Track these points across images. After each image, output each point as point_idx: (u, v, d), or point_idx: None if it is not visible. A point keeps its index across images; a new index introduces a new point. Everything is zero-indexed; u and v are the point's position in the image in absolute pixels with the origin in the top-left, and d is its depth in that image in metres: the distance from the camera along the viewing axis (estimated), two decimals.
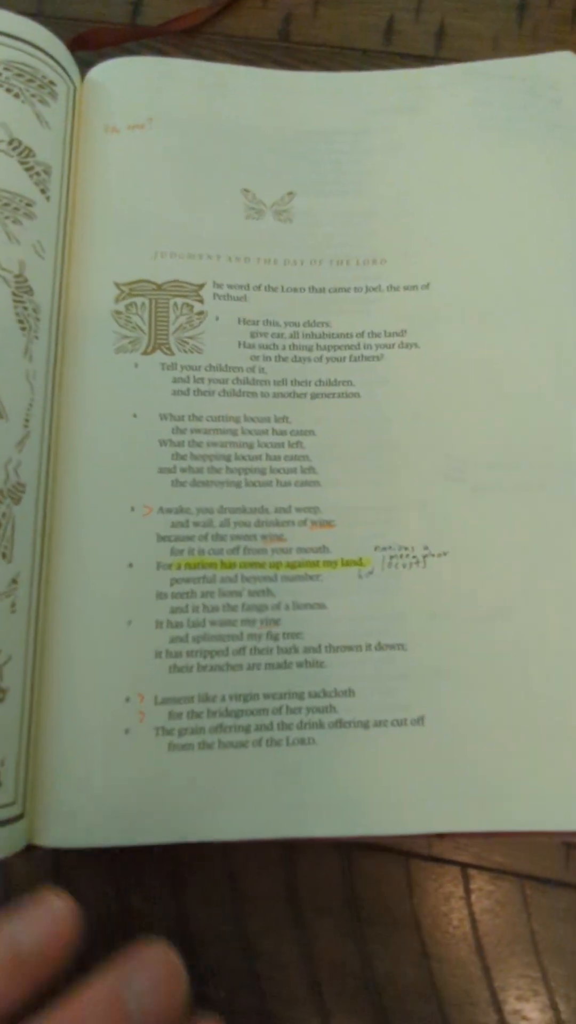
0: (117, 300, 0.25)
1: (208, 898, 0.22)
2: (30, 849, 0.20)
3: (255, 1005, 0.21)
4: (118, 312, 0.24)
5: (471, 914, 0.22)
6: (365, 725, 0.21)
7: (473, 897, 0.22)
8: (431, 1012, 0.21)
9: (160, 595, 0.22)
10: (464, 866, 0.22)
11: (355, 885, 0.22)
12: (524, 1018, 0.21)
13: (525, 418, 0.24)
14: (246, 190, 0.27)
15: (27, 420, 0.22)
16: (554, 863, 0.22)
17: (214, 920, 0.22)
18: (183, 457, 0.23)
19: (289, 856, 0.22)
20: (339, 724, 0.21)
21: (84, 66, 0.28)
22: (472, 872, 0.22)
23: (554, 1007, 0.21)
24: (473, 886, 0.22)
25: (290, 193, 0.27)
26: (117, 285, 0.25)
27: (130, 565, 0.22)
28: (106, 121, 0.27)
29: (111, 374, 0.24)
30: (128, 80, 0.27)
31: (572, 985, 0.21)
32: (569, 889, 0.22)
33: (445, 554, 0.23)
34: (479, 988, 0.21)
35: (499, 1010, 0.21)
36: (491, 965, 0.22)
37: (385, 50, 0.31)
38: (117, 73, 0.27)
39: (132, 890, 0.22)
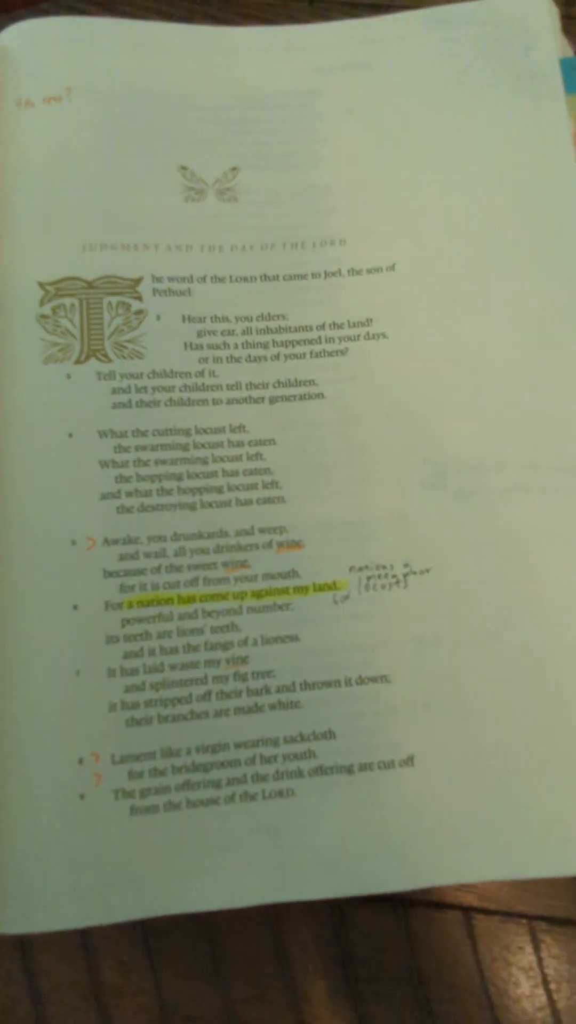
0: (42, 303, 0.22)
1: (187, 966, 0.20)
2: None
3: None
4: (44, 316, 0.21)
5: (477, 961, 0.20)
6: (349, 770, 0.19)
7: (479, 943, 0.20)
8: None
9: (111, 639, 0.19)
10: (468, 910, 0.21)
11: (349, 941, 0.20)
12: None
13: (507, 413, 0.22)
14: (184, 167, 0.24)
15: None
16: (564, 901, 0.20)
17: (196, 990, 0.20)
18: (128, 479, 0.20)
19: (275, 913, 0.20)
20: (320, 771, 0.19)
21: None
22: (476, 915, 0.21)
23: None
24: (478, 931, 0.20)
25: (234, 169, 0.24)
26: (41, 285, 0.22)
27: (74, 607, 0.20)
28: (18, 94, 0.23)
29: (40, 388, 0.21)
30: (41, 45, 0.24)
31: None
32: None
33: (428, 571, 0.21)
34: None
35: None
36: (500, 1016, 0.20)
37: None
38: (28, 38, 0.24)
39: (104, 962, 0.20)
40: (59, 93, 0.24)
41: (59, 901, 0.18)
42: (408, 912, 0.20)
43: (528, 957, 0.20)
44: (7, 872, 0.18)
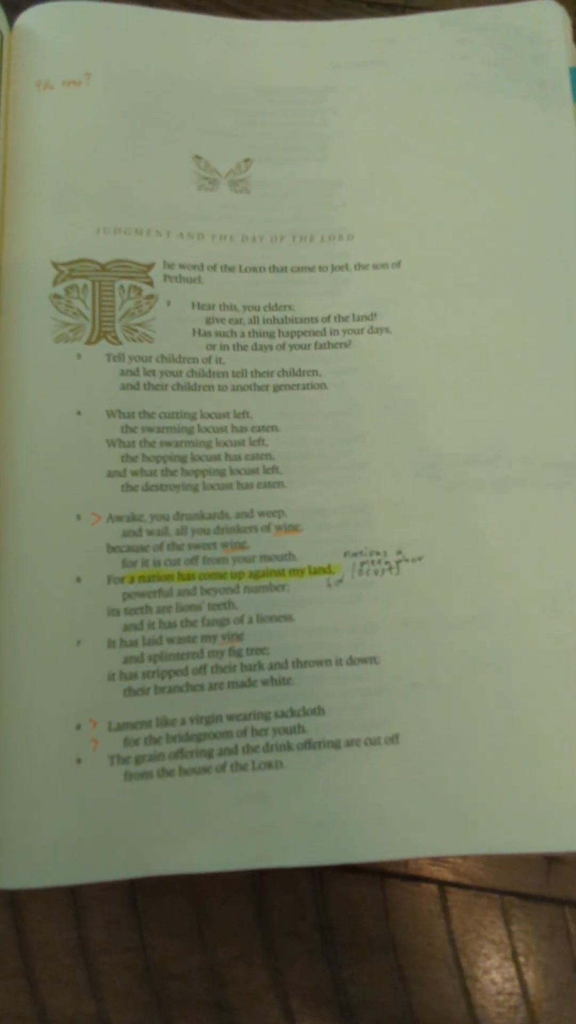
0: (55, 282, 0.22)
1: (173, 926, 0.21)
2: None
3: None
4: (57, 296, 0.22)
5: (450, 933, 0.21)
6: (336, 745, 0.20)
7: (452, 916, 0.21)
8: None
9: (112, 611, 0.20)
10: (442, 883, 0.21)
11: (328, 908, 0.21)
12: None
13: (504, 409, 0.22)
14: (198, 157, 0.24)
15: None
16: (535, 877, 0.21)
17: (180, 949, 0.21)
18: (134, 459, 0.21)
19: (258, 879, 0.21)
20: (308, 745, 0.20)
21: (12, 11, 0.25)
22: (450, 890, 0.21)
23: None
24: (451, 904, 0.21)
25: (247, 160, 0.24)
26: (55, 265, 0.22)
27: (78, 579, 0.20)
28: (38, 76, 0.24)
29: (50, 367, 0.21)
30: (63, 28, 0.24)
31: (554, 1002, 0.21)
32: (550, 904, 0.21)
33: (420, 559, 0.21)
34: (458, 1009, 0.21)
35: None
36: (470, 986, 0.21)
37: None
38: (50, 19, 0.24)
39: (93, 921, 0.21)
40: (78, 77, 0.24)
41: (52, 859, 0.19)
42: (384, 883, 0.21)
43: (499, 931, 0.21)
44: (3, 831, 0.19)
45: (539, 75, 0.25)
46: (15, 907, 0.21)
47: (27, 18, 0.24)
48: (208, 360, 0.22)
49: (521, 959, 0.21)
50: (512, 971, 0.21)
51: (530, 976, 0.21)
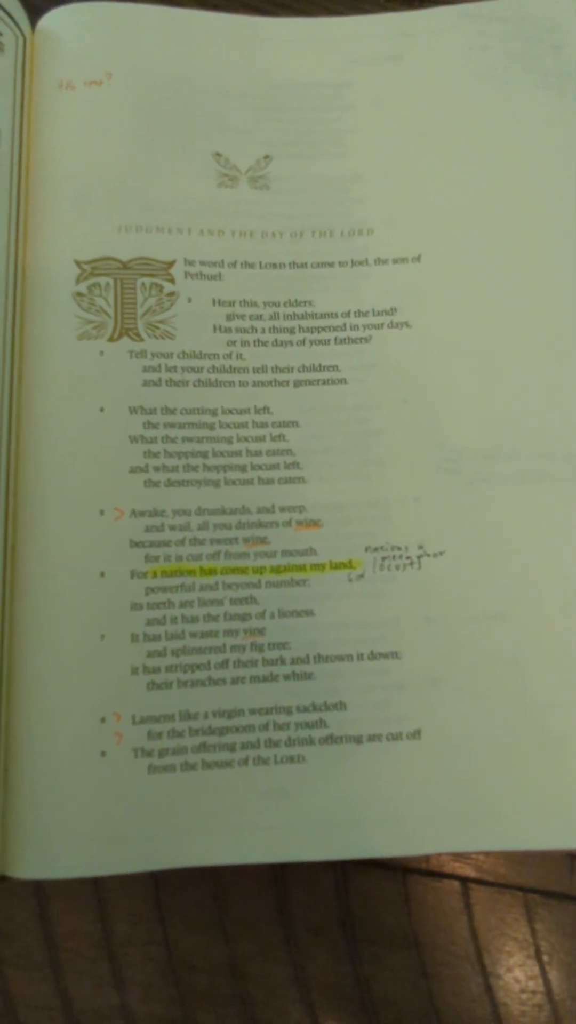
0: (78, 281, 0.22)
1: (195, 920, 0.21)
2: (3, 880, 0.19)
3: None
4: (80, 294, 0.22)
5: (472, 930, 0.21)
6: (358, 740, 0.20)
7: (474, 912, 0.21)
8: None
9: (135, 606, 0.20)
10: (464, 880, 0.21)
11: (350, 903, 0.21)
12: None
13: (523, 404, 0.22)
14: (218, 154, 0.24)
15: None
16: (559, 875, 0.21)
17: (202, 943, 0.21)
18: (156, 455, 0.21)
19: (280, 874, 0.21)
20: (330, 740, 0.20)
21: (35, 14, 0.25)
22: (473, 886, 0.21)
23: None
24: (474, 901, 0.21)
25: (266, 156, 0.24)
26: (78, 263, 0.22)
27: (101, 574, 0.20)
28: (60, 77, 0.24)
29: (74, 364, 0.22)
30: (84, 29, 0.25)
31: None
32: (574, 902, 0.21)
33: (442, 554, 0.21)
34: (480, 1007, 0.21)
35: None
36: (493, 984, 0.21)
37: None
38: (71, 21, 0.25)
39: (116, 913, 0.21)
40: (99, 77, 0.24)
41: (76, 850, 0.19)
42: (407, 879, 0.21)
43: (522, 928, 0.21)
44: (28, 821, 0.19)
45: (557, 66, 0.25)
46: (40, 899, 0.21)
47: (49, 20, 0.25)
48: (229, 356, 0.22)
49: (545, 957, 0.21)
50: (536, 969, 0.21)
51: (554, 974, 0.21)
